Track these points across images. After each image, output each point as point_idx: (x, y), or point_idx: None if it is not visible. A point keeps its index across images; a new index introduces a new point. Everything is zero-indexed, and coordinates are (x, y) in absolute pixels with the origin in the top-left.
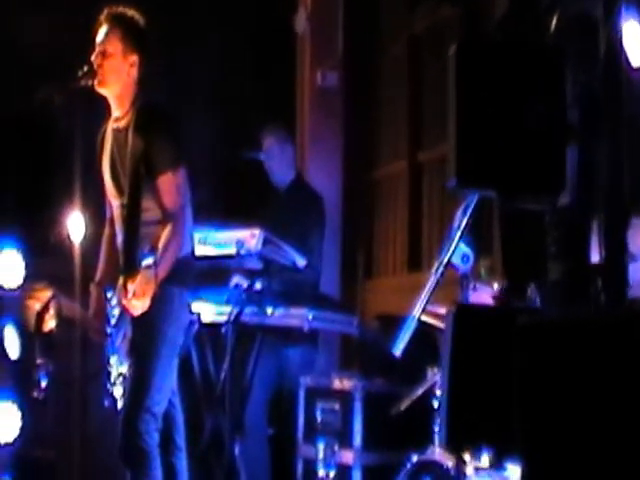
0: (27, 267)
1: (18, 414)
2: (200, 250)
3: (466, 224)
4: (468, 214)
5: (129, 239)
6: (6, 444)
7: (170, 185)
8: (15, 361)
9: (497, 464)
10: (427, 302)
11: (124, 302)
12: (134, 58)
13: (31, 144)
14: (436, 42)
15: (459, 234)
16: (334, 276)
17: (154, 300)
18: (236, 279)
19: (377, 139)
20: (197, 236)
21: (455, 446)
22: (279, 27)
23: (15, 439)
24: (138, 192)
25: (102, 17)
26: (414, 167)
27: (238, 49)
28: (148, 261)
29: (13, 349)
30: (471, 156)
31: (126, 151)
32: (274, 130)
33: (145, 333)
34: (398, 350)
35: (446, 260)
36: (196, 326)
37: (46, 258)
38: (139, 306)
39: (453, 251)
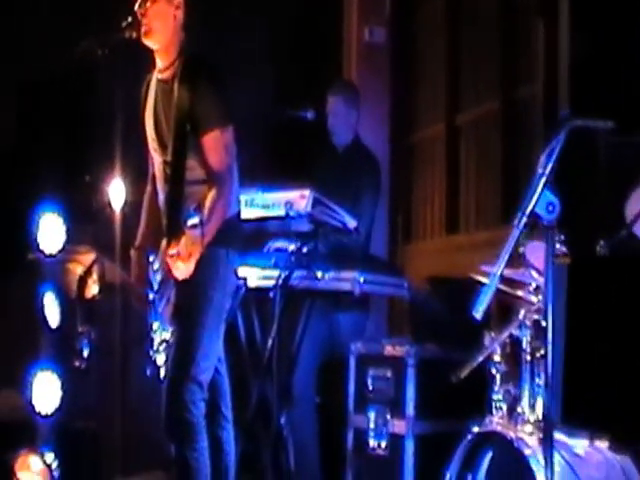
0: (68, 232)
1: (58, 384)
2: (248, 212)
3: (551, 170)
4: (554, 158)
5: (172, 198)
6: (46, 415)
7: (217, 144)
8: (55, 329)
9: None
10: (509, 259)
11: (168, 265)
12: (180, 0)
13: (72, 106)
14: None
15: (543, 181)
16: (381, 240)
17: (199, 263)
18: (284, 242)
19: (417, 101)
20: (245, 198)
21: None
22: None
23: (56, 410)
24: (183, 149)
25: None
26: (452, 130)
27: (286, 5)
28: (194, 221)
29: (53, 317)
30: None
31: (171, 104)
32: (342, 88)
33: (190, 298)
34: (479, 313)
35: (529, 210)
36: (243, 290)
37: (87, 224)
38: (184, 269)
39: (537, 200)
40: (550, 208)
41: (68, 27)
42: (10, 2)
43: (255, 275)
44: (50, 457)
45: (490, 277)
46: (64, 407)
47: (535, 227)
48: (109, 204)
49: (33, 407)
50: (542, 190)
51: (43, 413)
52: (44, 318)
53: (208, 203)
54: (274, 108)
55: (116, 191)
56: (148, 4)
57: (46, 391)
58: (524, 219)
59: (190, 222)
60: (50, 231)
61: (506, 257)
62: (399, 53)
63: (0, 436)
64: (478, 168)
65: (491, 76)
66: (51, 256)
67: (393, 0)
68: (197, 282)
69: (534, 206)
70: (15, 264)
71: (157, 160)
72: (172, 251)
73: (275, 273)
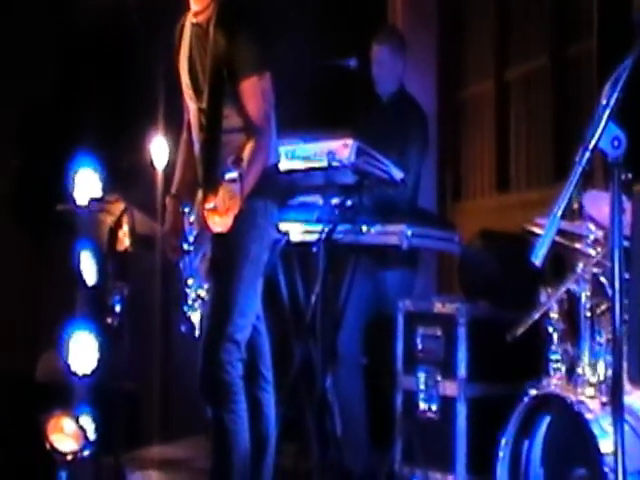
0: (104, 189)
1: (95, 344)
2: (288, 164)
3: (616, 100)
4: (619, 87)
5: (208, 148)
6: (84, 375)
7: (255, 90)
8: (92, 287)
9: None
10: (571, 198)
11: (204, 218)
12: None
13: (113, 60)
14: None
15: (608, 113)
16: (429, 197)
17: (236, 216)
18: (327, 194)
19: (465, 53)
20: (285, 149)
21: None
22: None
23: (93, 370)
24: (219, 96)
25: None
26: (501, 86)
27: None
28: (232, 174)
29: (90, 275)
30: None
31: (206, 49)
32: (388, 36)
33: (226, 251)
34: (538, 259)
35: (592, 145)
36: (282, 243)
37: (127, 183)
38: (221, 223)
39: (601, 134)
40: (615, 143)
41: None
42: None
43: (297, 230)
44: (85, 420)
45: (549, 218)
46: (101, 368)
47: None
48: (151, 163)
49: (69, 368)
50: (606, 123)
51: (79, 374)
52: (80, 275)
53: (247, 155)
54: (316, 57)
55: (159, 150)
56: None
57: (82, 351)
58: (587, 154)
59: (228, 176)
60: (86, 186)
61: (567, 196)
62: (447, 1)
63: (37, 398)
64: (529, 126)
65: (542, 30)
66: (83, 207)
67: None
68: (234, 235)
69: (597, 141)
70: (49, 217)
71: (192, 107)
72: (209, 205)
73: (319, 227)
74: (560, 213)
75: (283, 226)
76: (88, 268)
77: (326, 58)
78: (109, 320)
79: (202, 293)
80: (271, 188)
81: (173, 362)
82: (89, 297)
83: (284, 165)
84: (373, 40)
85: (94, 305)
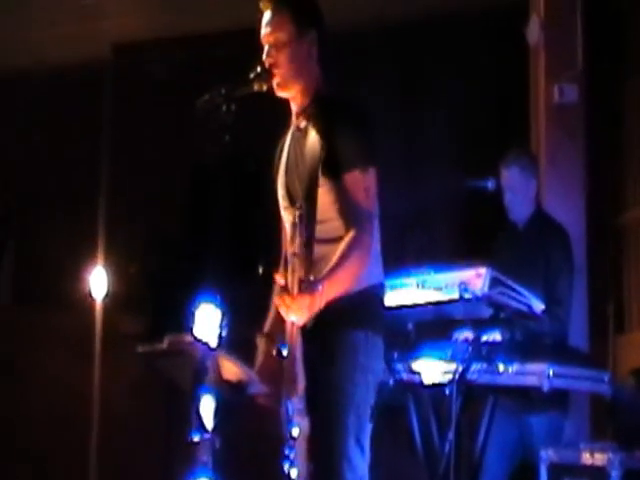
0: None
1: None
2: (418, 295)
3: None
4: None
5: (299, 256)
6: None
7: (357, 186)
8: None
9: None
10: None
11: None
12: (312, 35)
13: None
14: None
15: None
16: (581, 329)
17: (332, 350)
18: (460, 330)
19: (622, 171)
20: (415, 280)
21: None
22: (509, 39)
23: None
24: (314, 197)
25: (261, 3)
26: None
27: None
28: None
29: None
30: None
31: (304, 150)
32: (516, 158)
33: (325, 395)
34: None
35: None
36: (391, 384)
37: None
38: (293, 308)
39: None
40: None
41: None
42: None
43: (431, 369)
44: None
45: None
46: None
47: None
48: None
49: None
50: None
51: None
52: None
53: (340, 248)
54: (454, 178)
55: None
56: (277, 49)
57: None
58: None
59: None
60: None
61: None
62: (596, 114)
63: None
64: None
65: None
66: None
67: (587, 53)
68: (333, 376)
69: None
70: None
71: (287, 220)
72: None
73: (451, 366)
74: None
75: (416, 365)
76: (207, 414)
77: (464, 180)
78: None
79: (296, 433)
80: (373, 317)
81: None
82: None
83: (414, 297)
84: (500, 165)
85: None
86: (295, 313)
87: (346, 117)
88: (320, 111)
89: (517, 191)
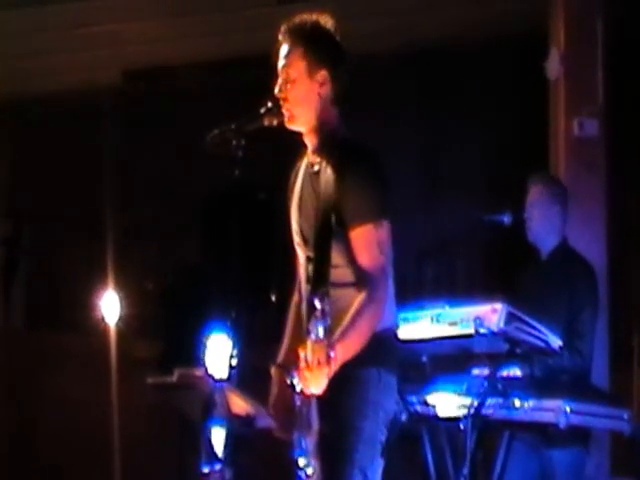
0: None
1: None
2: (433, 330)
3: None
4: None
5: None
6: None
7: (368, 240)
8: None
9: None
10: None
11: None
12: (323, 74)
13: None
14: None
15: None
16: (602, 363)
17: (345, 386)
18: (475, 364)
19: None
20: (429, 314)
21: None
22: (529, 71)
23: None
24: (326, 243)
25: (280, 35)
26: None
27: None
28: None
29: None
30: None
31: (318, 190)
32: (545, 177)
33: (335, 430)
34: None
35: None
36: (402, 420)
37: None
38: (313, 382)
39: None
40: None
41: None
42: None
43: (446, 403)
44: None
45: None
46: None
47: None
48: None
49: None
50: None
51: None
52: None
53: (354, 306)
54: (473, 210)
55: None
56: (288, 86)
57: None
58: None
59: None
60: (218, 354)
61: None
62: (617, 148)
63: None
64: None
65: None
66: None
67: (607, 86)
68: (343, 410)
69: None
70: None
71: (301, 257)
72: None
73: (467, 401)
74: None
75: (431, 398)
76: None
77: (481, 215)
78: None
79: (311, 472)
80: (386, 355)
81: None
82: None
83: (429, 331)
84: (528, 183)
85: None
86: (314, 387)
87: (362, 167)
88: (335, 157)
89: (536, 216)
